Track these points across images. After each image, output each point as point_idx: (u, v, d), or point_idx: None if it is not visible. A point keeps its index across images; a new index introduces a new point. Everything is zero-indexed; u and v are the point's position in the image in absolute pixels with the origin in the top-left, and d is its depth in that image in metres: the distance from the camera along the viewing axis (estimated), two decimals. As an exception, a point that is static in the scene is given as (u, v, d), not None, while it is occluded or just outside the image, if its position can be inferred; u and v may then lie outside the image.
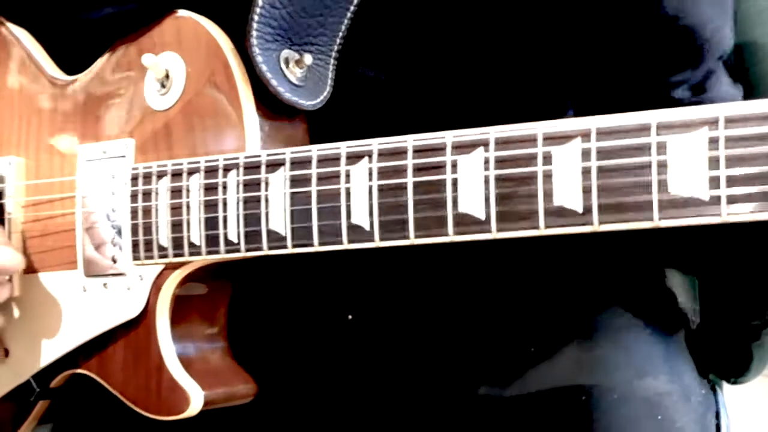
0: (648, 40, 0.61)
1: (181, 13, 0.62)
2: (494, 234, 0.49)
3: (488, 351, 0.70)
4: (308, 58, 0.60)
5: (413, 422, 0.72)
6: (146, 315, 0.62)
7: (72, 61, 0.69)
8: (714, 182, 0.43)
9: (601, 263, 0.71)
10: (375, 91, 0.64)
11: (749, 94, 0.71)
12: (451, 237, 0.50)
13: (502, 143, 0.49)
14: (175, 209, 0.59)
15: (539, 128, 0.48)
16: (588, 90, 0.65)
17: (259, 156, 0.56)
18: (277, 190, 0.55)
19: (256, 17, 0.58)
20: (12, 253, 0.66)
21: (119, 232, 0.62)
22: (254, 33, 0.58)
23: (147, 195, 0.61)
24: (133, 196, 0.61)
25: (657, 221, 0.45)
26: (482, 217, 0.49)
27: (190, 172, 0.59)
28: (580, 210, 0.46)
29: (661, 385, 0.68)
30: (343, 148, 0.53)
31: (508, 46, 0.62)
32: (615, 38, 0.61)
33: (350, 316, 0.73)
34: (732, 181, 0.43)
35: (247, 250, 0.57)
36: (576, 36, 0.61)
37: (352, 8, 0.59)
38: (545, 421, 0.67)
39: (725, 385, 0.81)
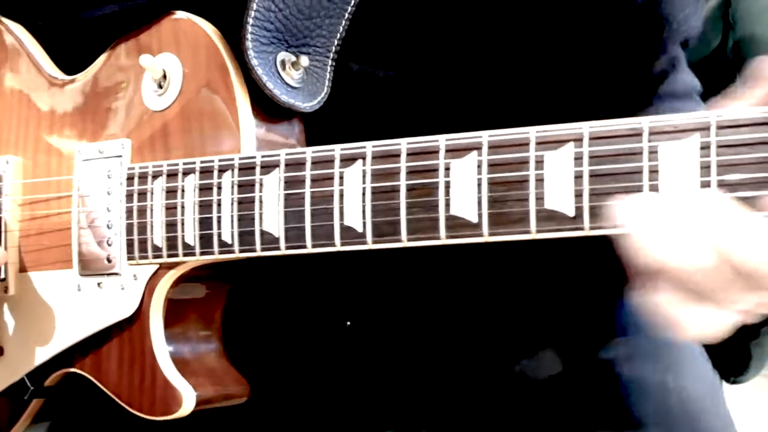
0: (624, 30, 0.62)
1: (179, 14, 0.62)
2: (486, 237, 0.49)
3: (488, 353, 0.70)
4: (304, 60, 0.60)
5: (411, 425, 0.72)
6: (140, 315, 0.62)
7: (71, 60, 0.69)
8: (705, 188, 0.43)
9: (601, 257, 0.71)
10: (374, 87, 0.64)
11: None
12: (443, 240, 0.50)
13: (495, 147, 0.49)
14: (170, 209, 0.60)
15: (532, 132, 0.48)
16: (574, 93, 0.65)
17: (253, 157, 0.56)
18: (271, 191, 0.56)
19: (250, 20, 0.58)
20: None
21: (114, 232, 0.63)
22: (249, 36, 0.58)
23: (142, 195, 0.61)
24: (129, 196, 0.62)
25: None
26: (474, 220, 0.49)
27: (186, 173, 0.59)
28: (572, 214, 0.46)
29: (672, 352, 0.69)
30: (338, 150, 0.54)
31: (494, 44, 0.63)
32: (594, 31, 0.62)
33: (348, 322, 0.73)
34: (723, 187, 0.43)
35: (241, 251, 0.57)
36: (557, 32, 0.62)
37: (350, 9, 0.59)
38: (551, 416, 0.67)
39: (725, 385, 0.81)
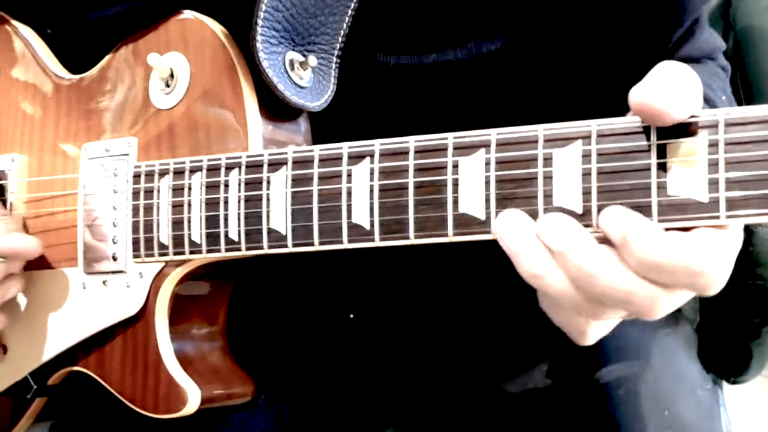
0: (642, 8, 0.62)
1: (187, 13, 0.62)
2: (494, 235, 0.49)
3: (491, 349, 0.71)
4: (313, 60, 0.60)
5: (414, 419, 0.72)
6: (145, 313, 0.62)
7: (78, 60, 0.69)
8: (713, 185, 0.44)
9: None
10: (392, 76, 0.64)
11: (748, 92, 0.72)
12: (451, 237, 0.50)
13: (503, 145, 0.49)
14: (177, 207, 0.60)
15: (540, 130, 0.48)
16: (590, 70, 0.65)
17: (261, 155, 0.57)
18: (279, 189, 0.56)
19: (260, 21, 0.58)
20: (26, 237, 0.65)
21: (120, 230, 0.63)
22: (259, 38, 0.58)
23: (149, 193, 0.61)
24: (135, 194, 0.62)
25: (656, 223, 0.45)
26: (482, 217, 0.49)
27: (192, 171, 0.59)
28: (580, 211, 0.47)
29: (668, 380, 0.69)
30: (345, 148, 0.54)
31: (517, 29, 0.63)
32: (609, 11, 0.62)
33: (351, 315, 0.73)
34: (731, 184, 0.43)
35: (248, 249, 0.57)
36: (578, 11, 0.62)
37: (353, 5, 0.59)
38: (550, 418, 0.67)
39: (725, 385, 0.81)
